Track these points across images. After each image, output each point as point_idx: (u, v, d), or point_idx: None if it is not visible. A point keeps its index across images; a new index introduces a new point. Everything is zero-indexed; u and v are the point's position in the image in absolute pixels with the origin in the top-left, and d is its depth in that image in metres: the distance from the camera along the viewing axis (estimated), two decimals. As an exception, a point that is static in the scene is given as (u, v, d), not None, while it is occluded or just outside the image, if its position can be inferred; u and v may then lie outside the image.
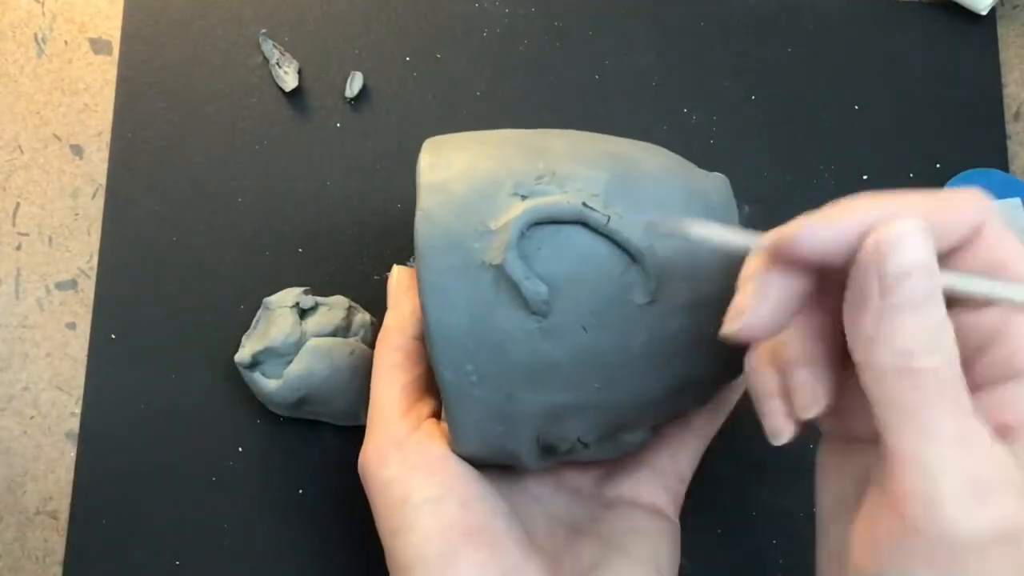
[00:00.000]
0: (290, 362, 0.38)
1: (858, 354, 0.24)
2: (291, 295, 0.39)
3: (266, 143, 0.43)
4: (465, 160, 0.31)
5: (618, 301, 0.29)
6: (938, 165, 0.45)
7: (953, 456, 0.22)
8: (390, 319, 0.34)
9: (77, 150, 0.43)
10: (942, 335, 0.23)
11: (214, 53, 0.44)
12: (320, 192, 0.43)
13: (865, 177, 0.45)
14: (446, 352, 0.29)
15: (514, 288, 0.28)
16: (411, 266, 0.36)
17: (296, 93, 0.43)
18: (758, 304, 0.25)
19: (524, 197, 0.29)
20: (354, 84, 0.43)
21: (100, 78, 0.44)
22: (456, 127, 0.43)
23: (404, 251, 0.42)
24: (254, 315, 0.40)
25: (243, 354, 0.38)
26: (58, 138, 0.43)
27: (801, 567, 0.40)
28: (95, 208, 0.43)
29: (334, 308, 0.39)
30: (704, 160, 0.44)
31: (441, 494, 0.30)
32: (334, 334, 0.38)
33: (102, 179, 0.43)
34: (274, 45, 0.43)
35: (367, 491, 0.32)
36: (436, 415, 0.33)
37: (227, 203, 0.42)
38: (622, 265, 0.29)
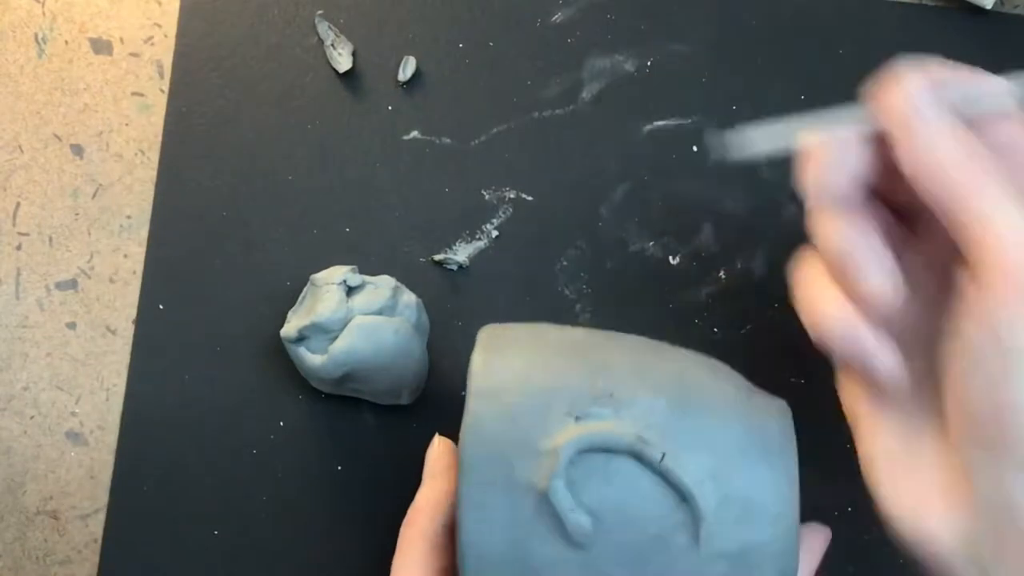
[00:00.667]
0: (335, 338, 0.38)
1: (915, 178, 0.27)
2: (338, 272, 0.39)
3: (318, 123, 0.43)
4: (521, 366, 0.29)
5: (662, 541, 0.28)
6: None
7: None
8: (422, 497, 0.33)
9: (77, 150, 0.43)
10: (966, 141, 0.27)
11: (270, 32, 0.44)
12: (369, 173, 0.43)
13: (911, 181, 0.45)
14: (478, 574, 0.28)
15: (556, 516, 0.27)
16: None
17: (349, 75, 0.44)
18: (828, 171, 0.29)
19: (578, 419, 0.28)
20: (407, 68, 0.44)
21: (100, 78, 0.44)
22: (506, 116, 0.44)
23: (451, 234, 0.42)
24: (300, 291, 0.40)
25: (289, 329, 0.39)
26: (58, 138, 0.43)
27: (834, 563, 0.40)
28: (95, 208, 0.43)
29: (381, 287, 0.40)
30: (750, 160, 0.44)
31: None
32: (380, 313, 0.39)
33: (102, 179, 0.43)
34: (330, 27, 0.44)
35: None
36: None
37: (277, 180, 0.43)
38: (671, 503, 0.28)
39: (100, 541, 0.40)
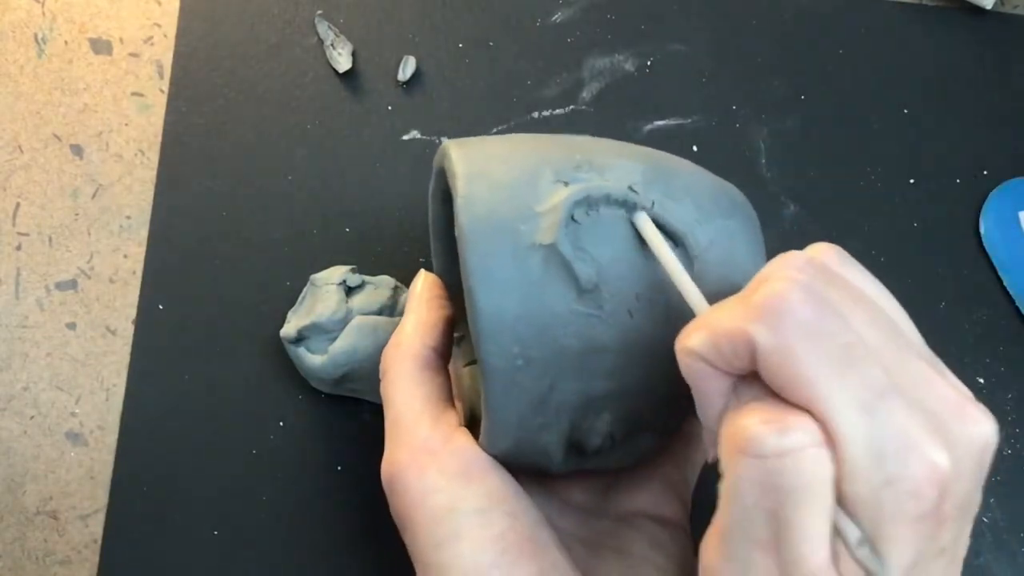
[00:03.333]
0: (335, 339, 0.38)
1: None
2: (338, 272, 0.39)
3: (318, 123, 0.43)
4: (500, 151, 0.31)
5: (660, 286, 0.29)
6: (985, 172, 0.45)
7: None
8: (408, 325, 0.33)
9: (77, 150, 0.43)
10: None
11: (270, 32, 0.44)
12: (369, 173, 0.43)
13: (912, 181, 0.45)
14: (495, 337, 0.28)
15: (564, 269, 0.28)
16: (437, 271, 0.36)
17: (349, 75, 0.44)
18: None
19: (567, 183, 0.29)
20: (407, 68, 0.43)
21: (100, 78, 0.44)
22: (506, 115, 0.44)
23: (450, 235, 0.42)
24: (300, 291, 0.40)
25: (288, 329, 0.39)
26: (58, 138, 0.43)
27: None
28: (95, 208, 0.43)
29: (380, 287, 0.40)
30: (751, 158, 0.44)
31: (489, 504, 0.29)
32: (379, 313, 0.39)
33: (102, 179, 0.43)
34: (329, 27, 0.44)
35: (397, 502, 0.30)
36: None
37: (277, 180, 0.43)
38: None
39: (100, 541, 0.40)
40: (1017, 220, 0.44)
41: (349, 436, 0.41)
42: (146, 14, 0.44)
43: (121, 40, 0.44)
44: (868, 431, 0.22)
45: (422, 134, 0.43)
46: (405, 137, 0.43)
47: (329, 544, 0.40)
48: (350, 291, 0.39)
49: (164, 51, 0.44)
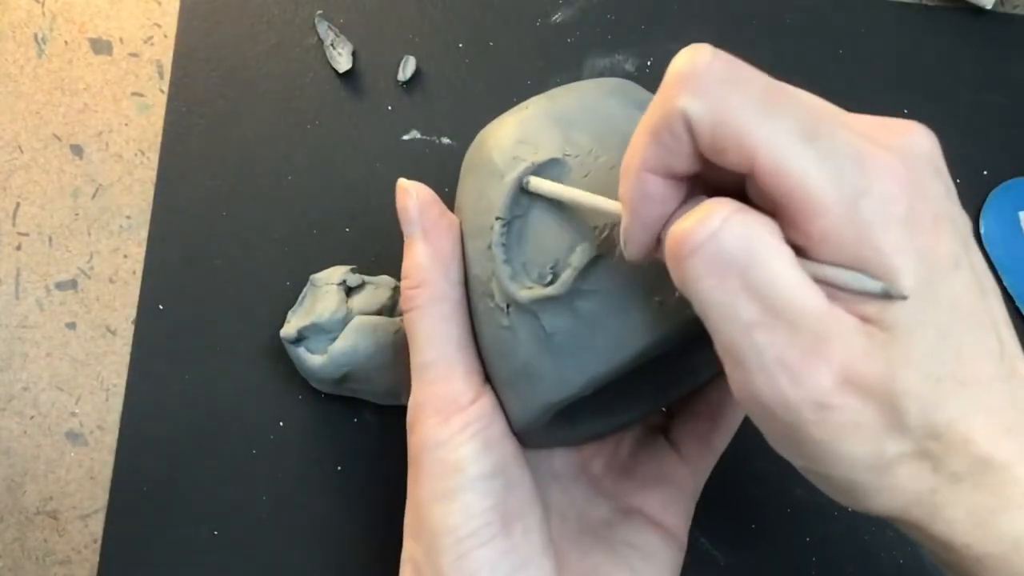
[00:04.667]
0: (335, 339, 0.38)
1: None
2: (338, 273, 0.39)
3: (318, 123, 0.43)
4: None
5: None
6: (985, 172, 0.45)
7: (761, 339, 0.23)
8: (422, 257, 0.31)
9: (77, 150, 0.43)
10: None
11: (270, 32, 0.44)
12: (369, 173, 0.43)
13: (911, 181, 0.45)
14: None
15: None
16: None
17: (349, 75, 0.44)
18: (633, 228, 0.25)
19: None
20: (407, 68, 0.43)
21: (100, 78, 0.44)
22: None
23: (450, 235, 0.42)
24: (300, 291, 0.40)
25: (288, 329, 0.39)
26: (58, 138, 0.43)
27: (834, 564, 0.40)
28: (95, 208, 0.43)
29: (380, 287, 0.40)
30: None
31: (493, 472, 0.30)
32: (379, 313, 0.39)
33: (102, 179, 0.43)
34: (329, 27, 0.44)
35: (415, 441, 0.30)
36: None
37: (277, 180, 0.43)
38: None
39: (100, 541, 0.40)
40: (1017, 220, 0.44)
41: (349, 436, 0.41)
42: (146, 14, 0.44)
43: (121, 40, 0.44)
44: (817, 157, 0.22)
45: (422, 134, 0.43)
46: (405, 137, 0.43)
47: (329, 544, 0.40)
48: (350, 291, 0.39)
49: (164, 51, 0.44)
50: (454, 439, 0.30)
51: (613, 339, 0.28)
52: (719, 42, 0.23)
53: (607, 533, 0.34)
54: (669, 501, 0.35)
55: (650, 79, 0.44)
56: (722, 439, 0.37)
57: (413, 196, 0.31)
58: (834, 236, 0.22)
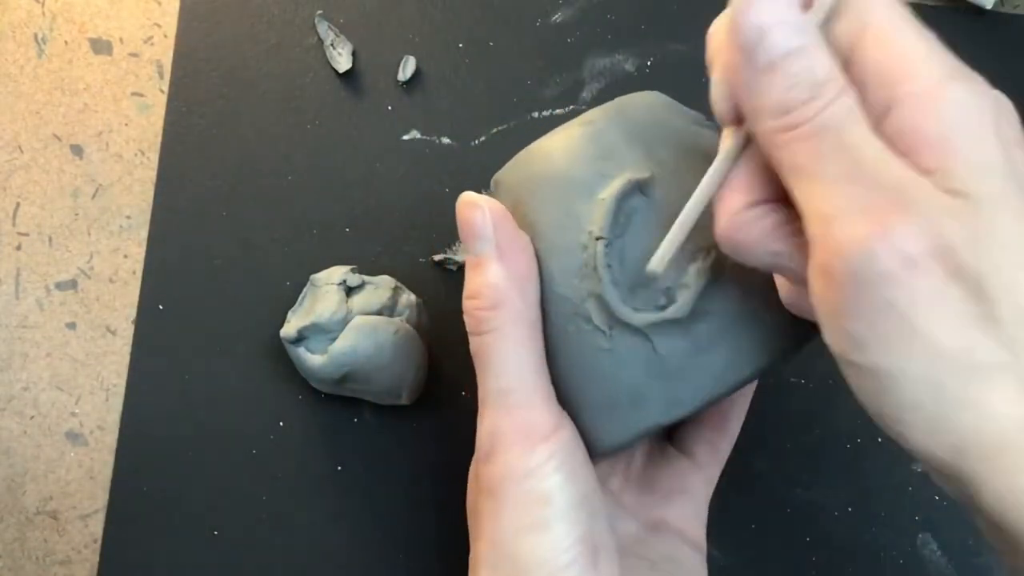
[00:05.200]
0: (335, 339, 0.38)
1: (755, 130, 0.24)
2: (338, 273, 0.39)
3: (318, 123, 0.43)
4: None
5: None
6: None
7: (848, 192, 0.22)
8: (498, 276, 0.29)
9: (77, 150, 0.43)
10: (817, 84, 0.22)
11: (270, 32, 0.44)
12: (369, 173, 0.43)
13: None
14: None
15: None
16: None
17: (349, 75, 0.44)
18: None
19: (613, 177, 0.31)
20: (407, 68, 0.44)
21: (100, 78, 0.44)
22: (506, 115, 0.44)
23: (451, 234, 0.42)
24: (300, 291, 0.40)
25: (288, 329, 0.39)
26: (58, 138, 0.43)
27: (834, 564, 0.40)
28: (95, 208, 0.43)
29: (380, 287, 0.40)
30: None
31: (581, 502, 0.29)
32: (379, 313, 0.39)
33: (102, 179, 0.43)
34: (329, 27, 0.44)
35: (492, 471, 0.29)
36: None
37: (277, 180, 0.43)
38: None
39: (100, 541, 0.40)
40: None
41: (349, 436, 0.41)
42: (146, 14, 0.44)
43: (121, 40, 0.44)
44: (923, 37, 0.23)
45: (422, 134, 0.43)
46: (405, 137, 0.43)
47: (329, 544, 0.40)
48: (350, 291, 0.39)
49: (164, 51, 0.44)
50: (541, 468, 0.28)
51: (728, 360, 0.28)
52: (719, 42, 0.23)
53: (642, 550, 0.34)
54: (690, 509, 0.35)
55: (650, 79, 0.44)
56: (728, 444, 0.37)
57: (485, 211, 0.29)
58: (919, 104, 0.22)
